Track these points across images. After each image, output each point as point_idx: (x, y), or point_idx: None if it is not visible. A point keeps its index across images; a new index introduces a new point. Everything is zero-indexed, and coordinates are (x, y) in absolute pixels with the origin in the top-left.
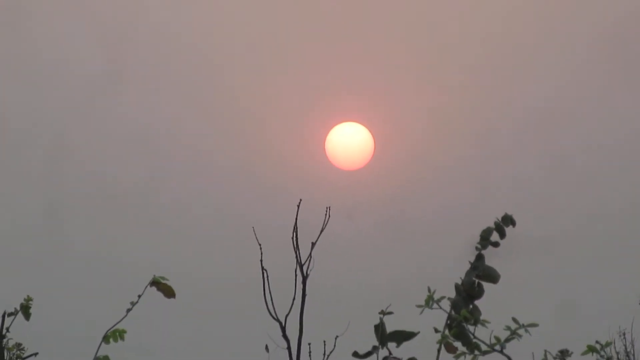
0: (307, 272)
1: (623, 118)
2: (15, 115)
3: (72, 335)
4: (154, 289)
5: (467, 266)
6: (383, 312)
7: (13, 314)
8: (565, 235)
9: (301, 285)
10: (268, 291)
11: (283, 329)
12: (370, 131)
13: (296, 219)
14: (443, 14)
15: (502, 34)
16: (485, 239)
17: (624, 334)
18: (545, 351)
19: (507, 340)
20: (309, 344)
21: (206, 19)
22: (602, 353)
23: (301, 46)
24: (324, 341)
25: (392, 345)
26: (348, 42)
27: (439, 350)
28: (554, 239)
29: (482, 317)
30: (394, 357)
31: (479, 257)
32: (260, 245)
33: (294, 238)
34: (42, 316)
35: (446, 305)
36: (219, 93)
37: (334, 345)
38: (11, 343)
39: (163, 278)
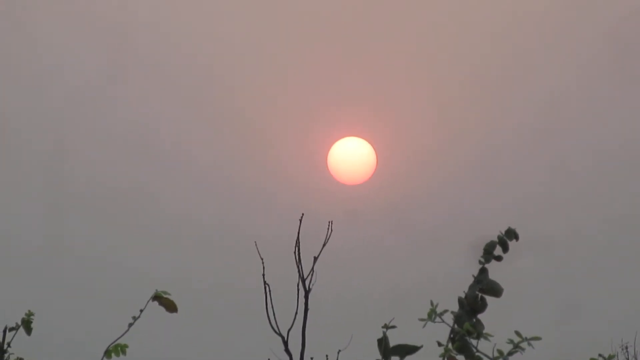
0: (309, 287)
1: (624, 120)
2: (14, 117)
3: (73, 349)
4: (155, 303)
5: (470, 278)
6: (386, 326)
7: (14, 328)
8: (568, 240)
9: (303, 300)
10: (270, 305)
11: (285, 343)
12: (372, 146)
13: (298, 233)
14: (444, 27)
15: (502, 43)
16: (488, 253)
17: (627, 348)
18: None
19: (510, 353)
20: (312, 358)
21: (209, 29)
22: None
23: (304, 60)
24: (327, 355)
25: (395, 359)
26: (350, 57)
27: None
28: (556, 243)
29: (485, 331)
30: None
31: (482, 271)
32: (262, 259)
33: (296, 252)
34: (43, 327)
35: (449, 318)
36: (222, 104)
37: None
38: (12, 358)
39: (165, 292)
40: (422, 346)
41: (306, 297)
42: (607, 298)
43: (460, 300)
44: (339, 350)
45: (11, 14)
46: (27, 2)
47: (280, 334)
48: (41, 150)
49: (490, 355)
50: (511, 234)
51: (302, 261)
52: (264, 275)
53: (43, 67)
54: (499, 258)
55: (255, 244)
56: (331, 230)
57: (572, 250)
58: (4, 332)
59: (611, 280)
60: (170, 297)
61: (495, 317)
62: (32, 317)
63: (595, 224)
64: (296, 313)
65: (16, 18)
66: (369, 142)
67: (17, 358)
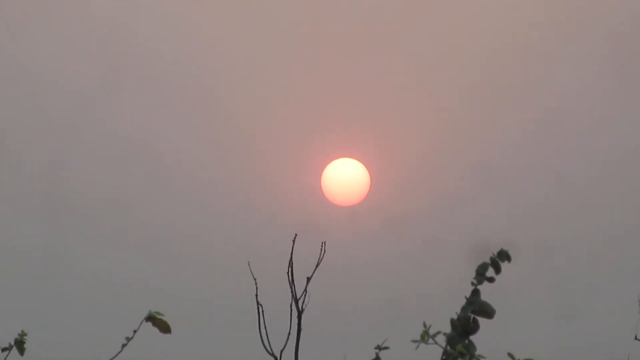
0: (302, 307)
1: (623, 128)
2: (9, 126)
3: None
4: (149, 323)
5: (463, 300)
6: (379, 347)
7: (7, 349)
8: (566, 248)
9: (296, 320)
10: (263, 326)
11: None
12: (366, 167)
13: (291, 253)
14: (437, 47)
15: (496, 59)
16: (480, 275)
17: None
18: None
19: None
20: None
21: (206, 45)
22: None
23: (298, 81)
24: None
25: None
26: (344, 79)
27: None
28: (554, 252)
29: (477, 352)
30: None
31: (475, 292)
32: (255, 280)
33: (289, 273)
34: (36, 344)
35: (442, 340)
36: (217, 122)
37: None
38: None
39: (159, 313)
40: None
41: (299, 317)
42: (606, 305)
43: (452, 322)
44: None
45: (6, 21)
46: (22, 9)
47: (273, 355)
48: (37, 159)
49: None
50: (503, 255)
51: (295, 282)
52: (257, 295)
53: (38, 75)
54: (491, 280)
55: (249, 264)
56: (324, 250)
57: (570, 258)
58: None
59: (610, 288)
60: (164, 318)
61: (488, 337)
62: (25, 337)
63: (595, 232)
64: (289, 333)
65: (11, 25)
66: (363, 163)
67: None
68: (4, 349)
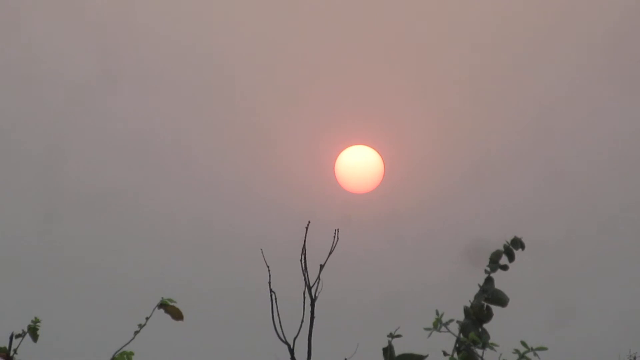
0: (315, 294)
1: (618, 124)
2: (9, 119)
3: (79, 356)
4: (161, 310)
5: (476, 287)
6: (392, 335)
7: (21, 335)
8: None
9: (309, 307)
10: (276, 313)
11: (291, 351)
12: (379, 154)
13: (305, 241)
14: (449, 38)
15: (505, 45)
16: (494, 262)
17: (635, 358)
18: None
19: None
20: None
21: (216, 32)
22: None
23: (312, 69)
24: None
25: None
26: (358, 66)
27: None
28: (553, 248)
29: (490, 340)
30: None
31: (488, 280)
32: (268, 267)
33: (303, 260)
34: (48, 333)
35: (455, 328)
36: (229, 109)
37: None
38: None
39: (171, 300)
40: (427, 355)
41: (312, 305)
42: (603, 303)
43: (465, 310)
44: (345, 359)
45: (6, 15)
46: (22, 4)
47: (286, 342)
48: (37, 152)
49: None
50: (517, 243)
51: (308, 269)
52: (270, 282)
53: (38, 69)
54: (505, 267)
55: (262, 252)
56: (337, 238)
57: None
58: (11, 338)
59: (607, 285)
60: (176, 305)
61: (500, 326)
62: (38, 323)
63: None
64: (302, 321)
65: (11, 19)
66: (377, 151)
67: None
68: (17, 336)
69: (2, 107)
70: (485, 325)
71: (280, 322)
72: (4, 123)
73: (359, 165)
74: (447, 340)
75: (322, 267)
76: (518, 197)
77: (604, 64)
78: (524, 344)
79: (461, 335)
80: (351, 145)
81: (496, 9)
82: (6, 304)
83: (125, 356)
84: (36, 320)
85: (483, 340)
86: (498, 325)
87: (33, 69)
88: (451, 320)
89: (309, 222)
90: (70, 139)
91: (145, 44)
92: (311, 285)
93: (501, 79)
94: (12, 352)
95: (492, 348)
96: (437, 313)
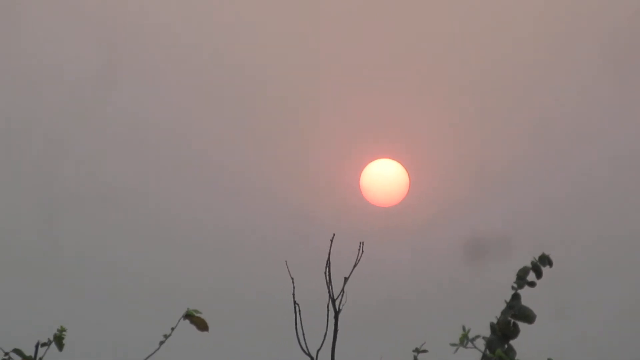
0: (339, 307)
1: (621, 127)
2: (8, 116)
3: None
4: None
5: (503, 304)
6: (417, 350)
7: (46, 344)
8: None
9: (333, 320)
10: (300, 325)
11: None
12: (405, 168)
13: (329, 253)
14: (474, 49)
15: (528, 52)
16: (521, 279)
17: None
18: None
19: None
20: None
21: (235, 32)
22: None
23: (338, 82)
24: None
25: None
26: (383, 79)
27: None
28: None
29: (516, 357)
30: None
31: (515, 297)
32: (292, 279)
33: (327, 272)
34: (70, 340)
35: (481, 344)
36: (258, 122)
37: None
38: None
39: (197, 311)
40: None
41: (336, 317)
42: (604, 305)
43: (492, 326)
44: None
45: (5, 11)
46: (20, 1)
47: (309, 354)
48: (37, 149)
49: None
50: (545, 259)
51: (332, 282)
52: (294, 294)
53: (38, 64)
54: (532, 284)
55: (286, 263)
56: (362, 251)
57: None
58: (37, 347)
59: (608, 283)
60: (202, 316)
61: (526, 342)
62: (64, 332)
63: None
64: (325, 333)
65: (10, 15)
66: (402, 165)
67: None
68: (43, 344)
69: (3, 106)
70: (511, 342)
71: (304, 334)
72: (3, 120)
73: (384, 178)
74: (473, 356)
75: (346, 279)
76: (546, 207)
77: (613, 69)
78: None
79: (487, 352)
80: (376, 158)
81: (524, 16)
82: (27, 309)
83: None
84: (62, 330)
85: (509, 357)
86: (524, 342)
87: (34, 65)
88: (477, 336)
89: (334, 234)
90: (73, 137)
91: (151, 40)
92: (335, 297)
93: (526, 87)
94: None
95: None
96: (464, 329)
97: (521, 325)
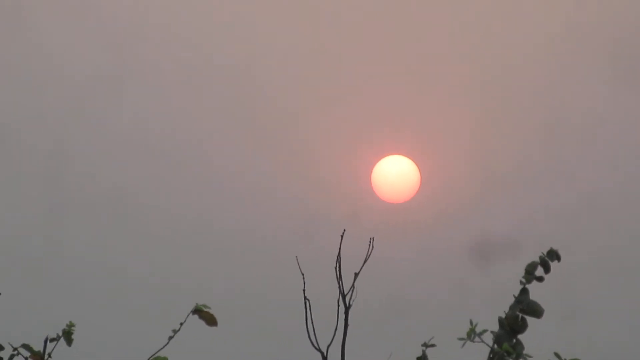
0: (349, 303)
1: (626, 129)
2: (13, 117)
3: None
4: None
5: (511, 298)
6: (426, 345)
7: (55, 339)
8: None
9: (343, 316)
10: (310, 321)
11: (325, 359)
12: (416, 164)
13: (340, 249)
14: (484, 48)
15: (543, 53)
16: (529, 273)
17: None
18: None
19: None
20: None
21: (245, 33)
22: None
23: (349, 77)
24: None
25: None
26: (395, 76)
27: None
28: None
29: (524, 351)
30: None
31: (523, 291)
32: (303, 274)
33: (337, 268)
34: (78, 337)
35: (488, 338)
36: (267, 119)
37: None
38: None
39: (205, 306)
40: None
41: (346, 313)
42: (611, 308)
43: (500, 320)
44: None
45: (11, 12)
46: (25, 3)
47: (319, 350)
48: (42, 151)
49: None
50: (553, 254)
51: (342, 277)
52: (304, 290)
53: (43, 66)
54: (540, 279)
55: (297, 259)
56: (372, 246)
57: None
58: (45, 342)
59: (615, 285)
60: (211, 311)
61: (534, 336)
62: (73, 328)
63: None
64: (336, 329)
65: (15, 16)
66: (413, 161)
67: None
68: (52, 340)
69: (6, 106)
70: (519, 336)
71: (314, 329)
72: (7, 121)
73: (395, 174)
74: (481, 351)
75: (356, 275)
76: (557, 207)
77: (621, 72)
78: (557, 355)
79: (495, 346)
80: (388, 154)
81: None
82: (33, 307)
83: None
84: (71, 325)
85: (517, 352)
86: (532, 336)
87: (38, 66)
88: (485, 331)
89: (344, 230)
90: (77, 139)
91: (154, 43)
92: (345, 293)
93: (538, 86)
94: (46, 356)
95: (525, 359)
96: (471, 323)
97: (529, 320)
